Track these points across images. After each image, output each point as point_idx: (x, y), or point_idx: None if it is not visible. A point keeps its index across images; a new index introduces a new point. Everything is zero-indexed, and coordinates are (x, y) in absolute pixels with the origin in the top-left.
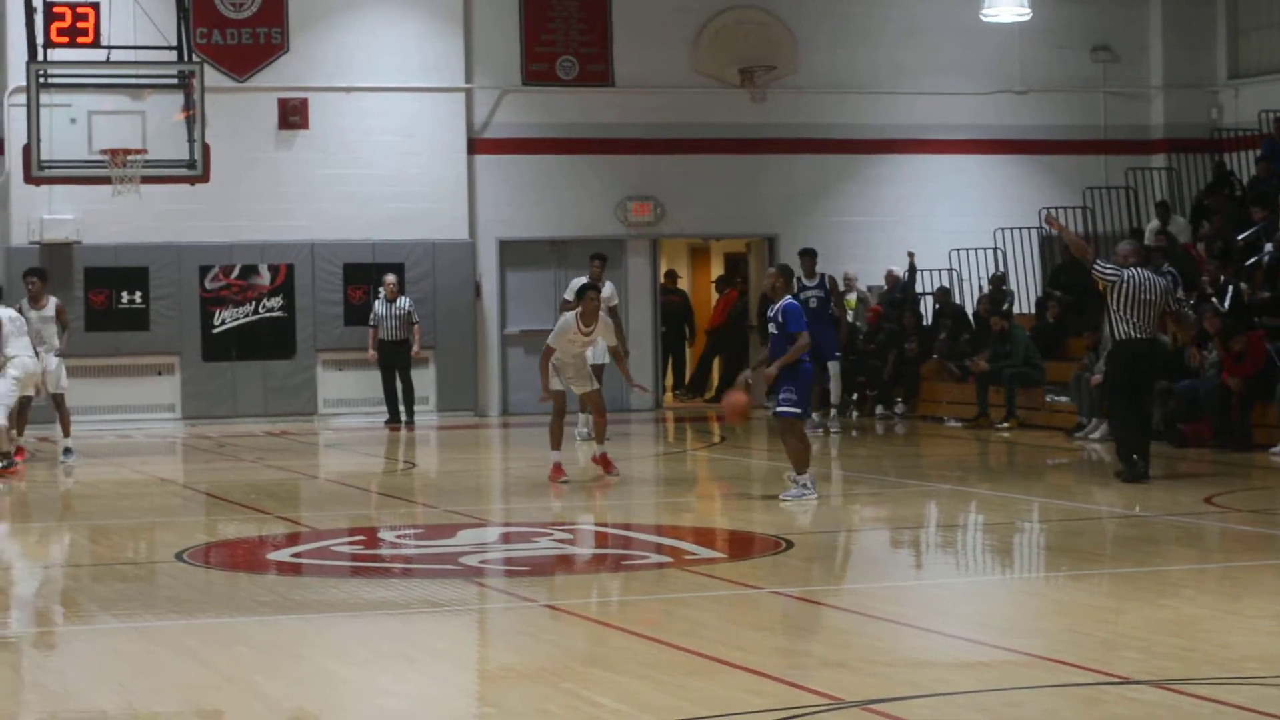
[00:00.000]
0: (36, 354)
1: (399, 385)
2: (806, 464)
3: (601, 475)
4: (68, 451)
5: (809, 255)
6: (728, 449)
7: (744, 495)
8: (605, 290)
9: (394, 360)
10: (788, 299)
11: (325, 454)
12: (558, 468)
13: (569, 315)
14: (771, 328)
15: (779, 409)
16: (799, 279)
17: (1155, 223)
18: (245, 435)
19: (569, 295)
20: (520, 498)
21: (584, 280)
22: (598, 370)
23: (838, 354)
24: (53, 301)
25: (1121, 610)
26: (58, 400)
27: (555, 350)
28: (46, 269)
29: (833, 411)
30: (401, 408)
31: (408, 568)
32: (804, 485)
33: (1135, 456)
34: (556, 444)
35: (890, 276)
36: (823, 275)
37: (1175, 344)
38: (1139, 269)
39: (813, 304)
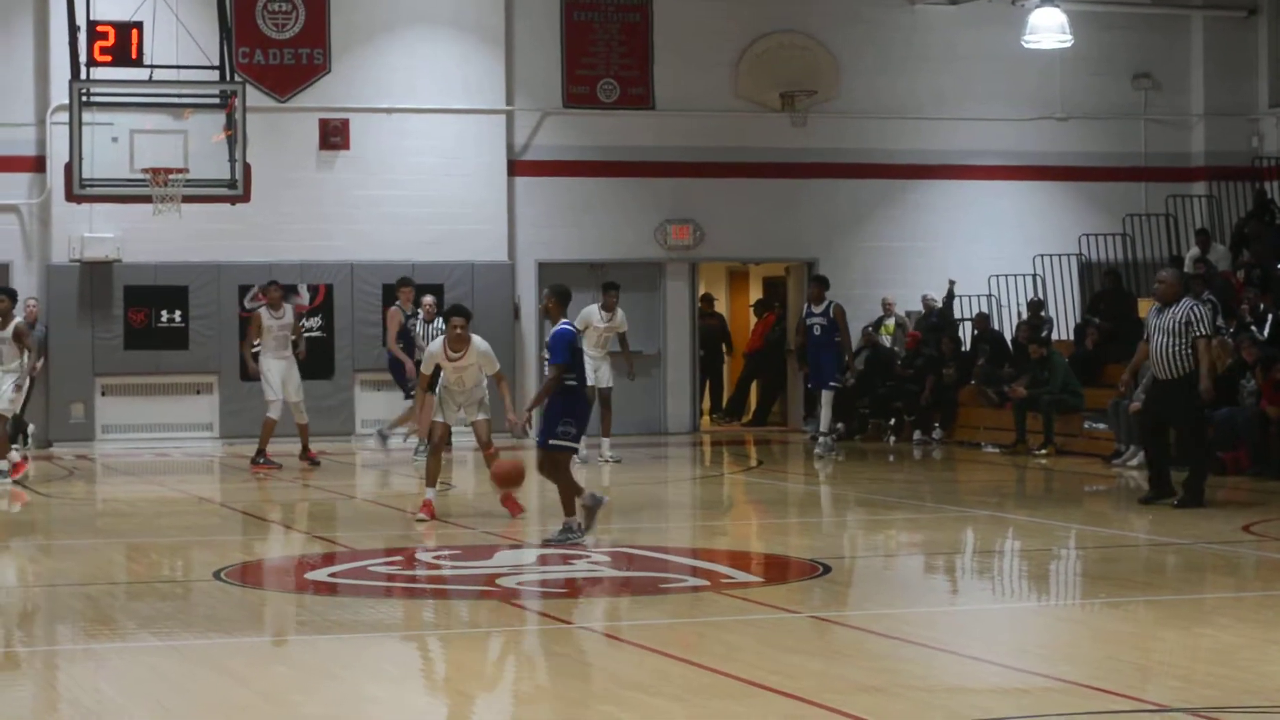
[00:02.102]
0: None
1: None
2: (574, 507)
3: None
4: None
5: (817, 282)
6: (764, 473)
7: (781, 519)
8: (617, 318)
9: (431, 382)
10: (561, 324)
11: (363, 474)
12: (428, 505)
13: (436, 342)
14: (545, 353)
15: (551, 441)
16: (807, 305)
17: (1195, 250)
18: (283, 455)
19: (578, 324)
20: (557, 519)
21: (596, 306)
22: (604, 394)
23: (834, 383)
24: (14, 322)
25: (1158, 638)
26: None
27: (427, 377)
28: (15, 290)
29: (822, 439)
30: None
31: (444, 589)
32: (570, 529)
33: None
34: (432, 480)
35: (926, 302)
36: (830, 303)
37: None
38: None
39: (816, 331)
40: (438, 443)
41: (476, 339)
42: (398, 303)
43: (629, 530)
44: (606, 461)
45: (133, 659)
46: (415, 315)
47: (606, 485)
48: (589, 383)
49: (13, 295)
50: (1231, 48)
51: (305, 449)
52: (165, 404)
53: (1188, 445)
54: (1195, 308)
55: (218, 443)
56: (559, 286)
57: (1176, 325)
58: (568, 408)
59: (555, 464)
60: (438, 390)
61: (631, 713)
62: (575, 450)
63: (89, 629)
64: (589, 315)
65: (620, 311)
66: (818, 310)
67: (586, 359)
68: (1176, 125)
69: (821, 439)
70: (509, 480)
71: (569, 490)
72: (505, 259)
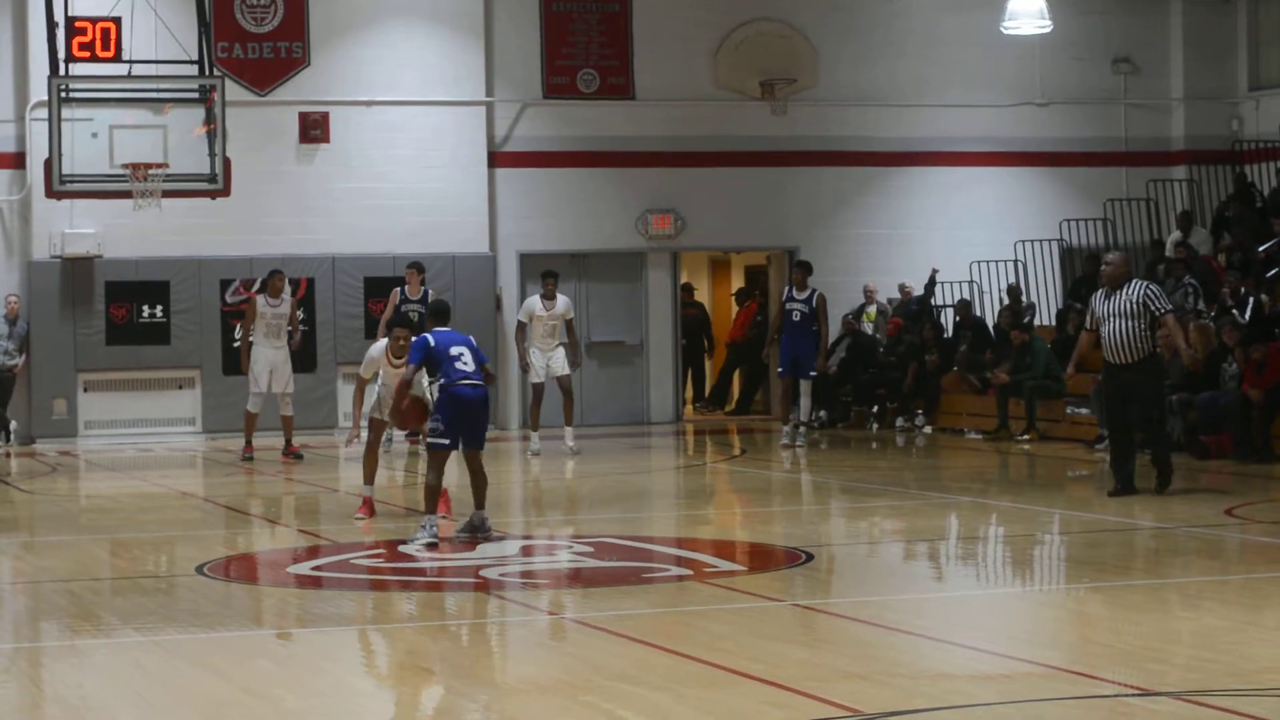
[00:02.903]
0: None
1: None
2: (435, 505)
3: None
4: None
5: (801, 267)
6: (747, 462)
7: (764, 507)
8: (560, 305)
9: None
10: (422, 335)
11: (345, 467)
12: (367, 502)
13: (378, 345)
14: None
15: (427, 440)
16: (789, 290)
17: (1176, 234)
18: (266, 449)
19: (523, 317)
20: (540, 510)
21: (537, 296)
22: (563, 383)
23: (813, 372)
24: None
25: (1141, 622)
26: None
27: (366, 381)
28: None
29: (801, 428)
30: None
31: (428, 581)
32: (426, 527)
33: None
34: (369, 477)
35: (904, 290)
36: (813, 291)
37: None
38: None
39: (796, 317)
40: (374, 441)
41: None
42: (402, 286)
43: (612, 521)
44: (569, 453)
45: (116, 655)
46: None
47: (574, 476)
48: (539, 376)
49: None
50: (1210, 31)
51: (288, 443)
52: (147, 399)
53: (1152, 425)
54: (1149, 287)
55: (200, 437)
56: (436, 303)
57: (1133, 307)
58: (438, 405)
59: (428, 461)
60: (376, 389)
61: (615, 703)
62: (444, 446)
63: (73, 625)
64: (531, 306)
65: (562, 298)
66: (800, 296)
67: (535, 350)
68: (1157, 109)
69: (801, 427)
70: (411, 419)
71: (431, 489)
72: (486, 250)
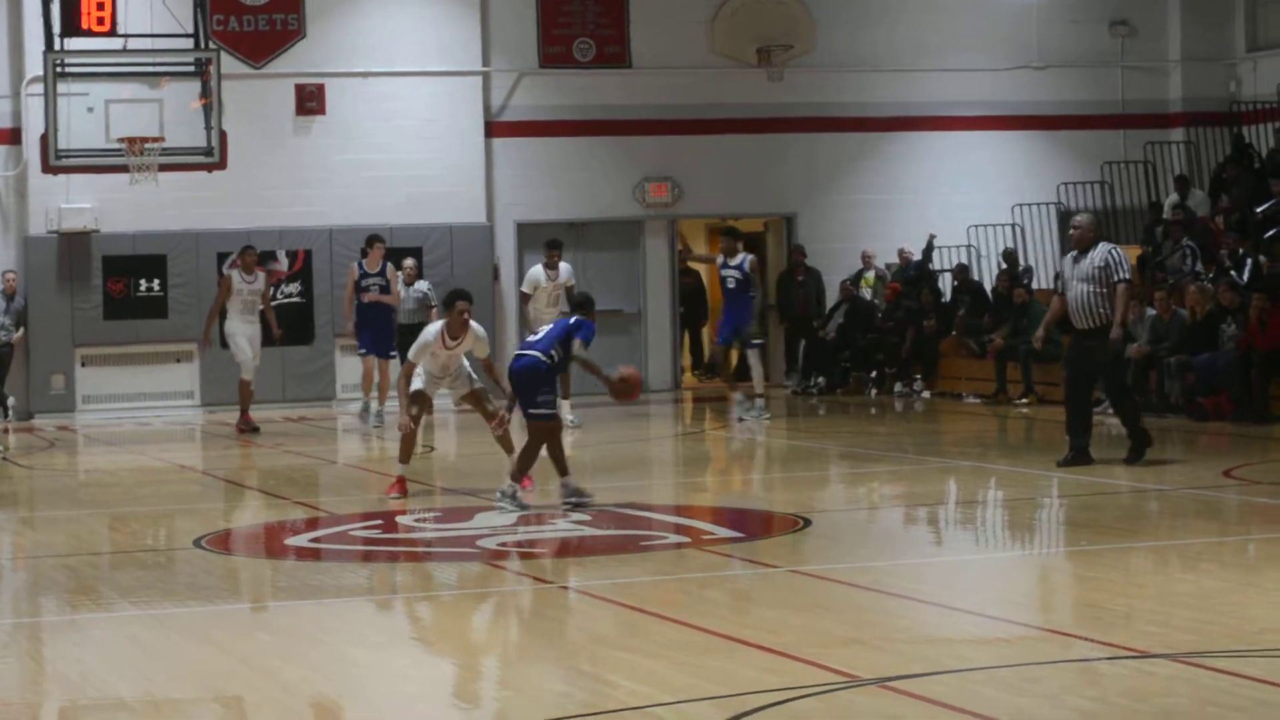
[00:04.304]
0: None
1: None
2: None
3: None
4: None
5: (729, 235)
6: (746, 428)
7: (762, 473)
8: (562, 274)
9: (410, 343)
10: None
11: (343, 439)
12: (401, 481)
13: (433, 328)
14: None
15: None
16: (722, 260)
17: (1174, 196)
18: (263, 421)
19: (527, 288)
20: (537, 480)
21: (540, 265)
22: None
23: (756, 341)
24: None
25: (1140, 584)
26: None
27: (415, 367)
28: None
29: (759, 400)
30: None
31: (426, 551)
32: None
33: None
34: (407, 457)
35: (903, 255)
36: (745, 256)
37: (1193, 316)
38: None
39: (730, 284)
40: (418, 420)
41: (474, 324)
42: (360, 260)
43: (610, 489)
44: (568, 426)
45: (115, 629)
46: (370, 273)
47: (572, 445)
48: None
49: None
50: None
51: (243, 413)
52: (145, 373)
53: (1115, 394)
54: (1113, 251)
55: (198, 410)
56: (580, 295)
57: (1095, 271)
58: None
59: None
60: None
61: (614, 670)
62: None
63: (72, 600)
64: (535, 276)
65: (564, 266)
66: (732, 264)
67: (539, 321)
68: (1154, 72)
69: (758, 399)
70: (630, 391)
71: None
72: (484, 220)
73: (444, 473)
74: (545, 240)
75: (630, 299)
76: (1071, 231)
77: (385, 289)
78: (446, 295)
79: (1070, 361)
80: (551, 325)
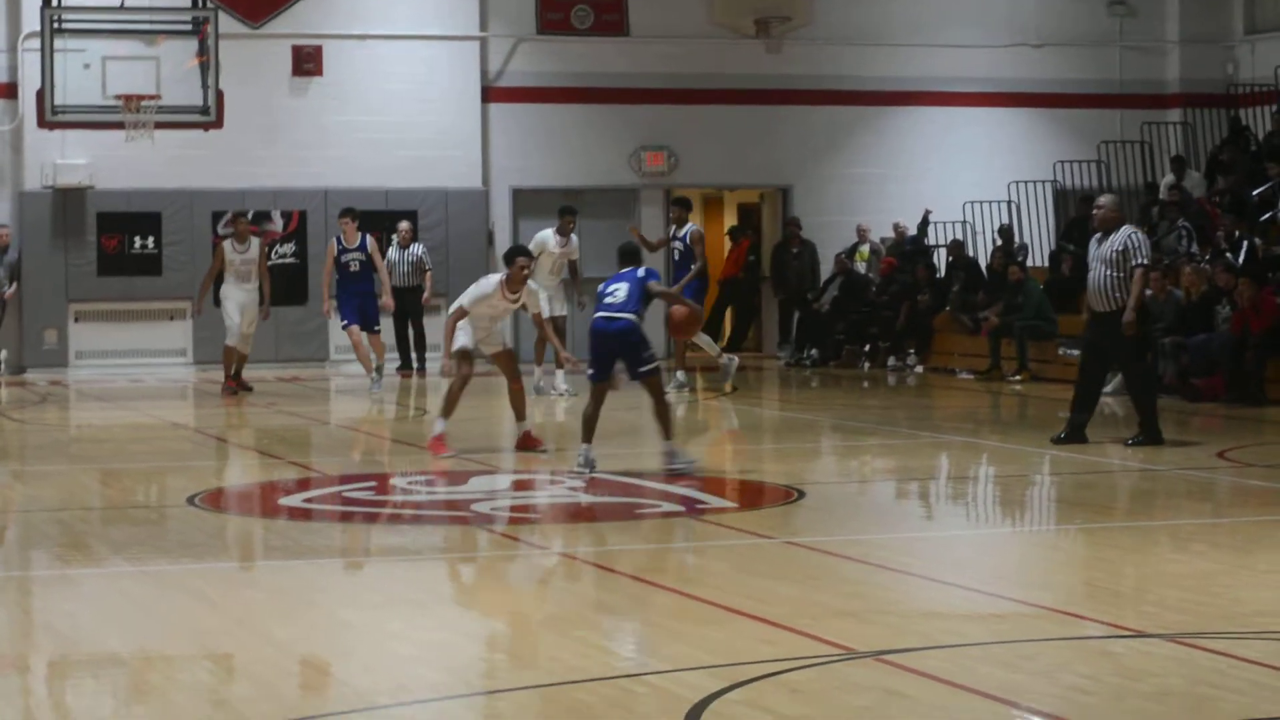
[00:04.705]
0: None
1: (411, 332)
2: (586, 435)
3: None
4: None
5: (678, 204)
6: (739, 399)
7: (755, 444)
8: (572, 244)
9: (406, 307)
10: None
11: (337, 400)
12: (440, 440)
13: (492, 279)
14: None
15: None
16: (671, 227)
17: (1170, 177)
18: (256, 380)
19: (533, 249)
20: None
21: (551, 230)
22: (558, 324)
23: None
24: None
25: (1133, 564)
26: None
27: (468, 314)
28: None
29: (679, 373)
30: (413, 354)
31: (419, 514)
32: (580, 456)
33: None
34: (449, 411)
35: (898, 230)
36: (690, 228)
37: (1188, 298)
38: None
39: (676, 256)
40: (466, 376)
41: (530, 280)
42: (338, 235)
43: (604, 456)
44: (560, 395)
45: (106, 584)
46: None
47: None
48: (545, 311)
49: None
50: None
51: (238, 373)
52: (138, 330)
53: (1133, 381)
54: (1133, 235)
55: (191, 368)
56: (624, 245)
57: (1114, 255)
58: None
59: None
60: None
61: (607, 638)
62: (591, 378)
63: (63, 555)
64: (544, 239)
65: (574, 238)
66: (679, 234)
67: (541, 288)
68: (1152, 52)
69: (682, 374)
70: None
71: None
72: (479, 185)
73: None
74: (560, 206)
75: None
76: (1095, 212)
77: (366, 263)
78: (507, 251)
79: (1086, 343)
80: (624, 283)
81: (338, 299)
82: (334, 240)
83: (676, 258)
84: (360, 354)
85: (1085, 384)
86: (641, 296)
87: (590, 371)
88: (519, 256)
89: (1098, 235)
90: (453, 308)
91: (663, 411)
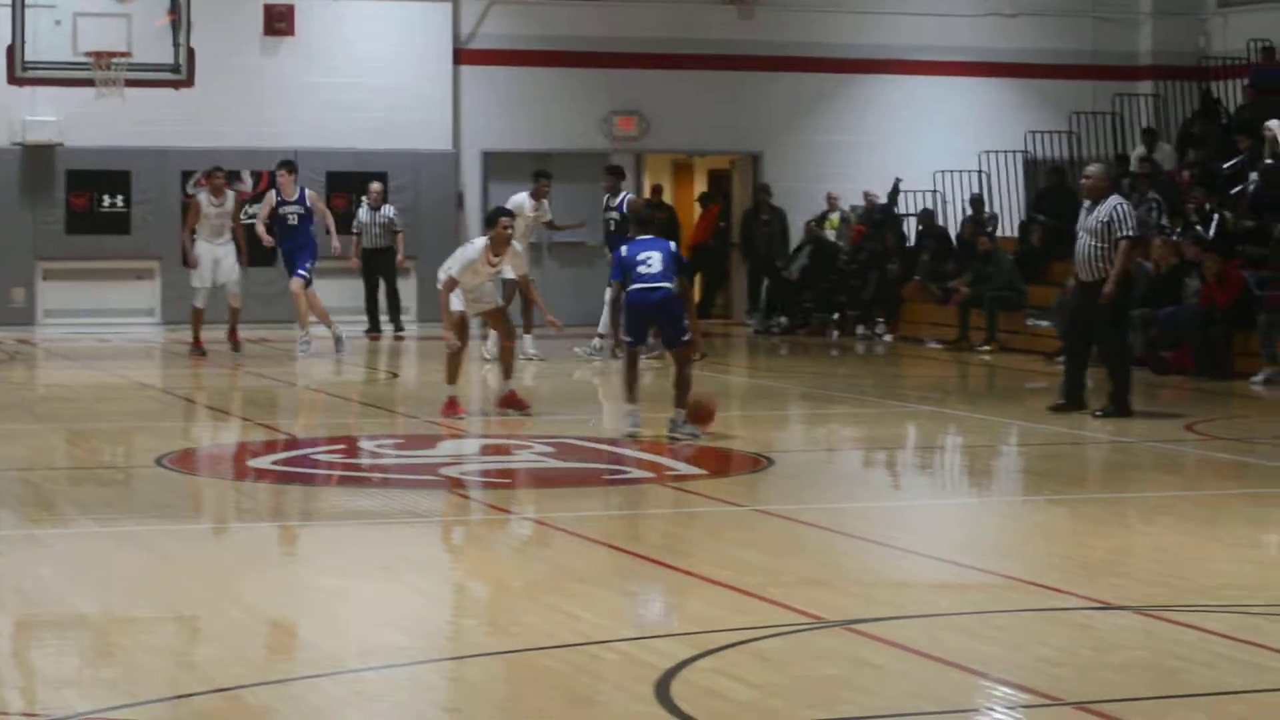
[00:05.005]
0: None
1: (382, 293)
2: (629, 396)
3: (512, 414)
4: None
5: (611, 173)
6: (707, 365)
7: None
8: (542, 207)
9: (378, 268)
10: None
11: (305, 362)
12: (453, 402)
13: (476, 243)
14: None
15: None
16: (605, 196)
17: (1141, 149)
18: (225, 342)
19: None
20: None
21: (525, 194)
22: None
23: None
24: None
25: (1101, 535)
26: None
27: (457, 283)
28: None
29: (599, 340)
30: (384, 316)
31: (387, 478)
32: (627, 417)
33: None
34: (454, 378)
35: (869, 198)
36: (625, 195)
37: (1157, 270)
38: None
39: (611, 226)
40: (465, 341)
41: (514, 241)
42: (274, 188)
43: (573, 422)
44: (529, 359)
45: (74, 544)
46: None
47: (535, 377)
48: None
49: None
50: None
51: (232, 330)
52: (107, 289)
53: (1109, 351)
54: (1119, 206)
55: (159, 328)
56: (638, 211)
57: (1099, 226)
58: (625, 310)
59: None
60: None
61: (574, 603)
62: (629, 344)
63: (30, 514)
64: (519, 203)
65: (546, 202)
66: (613, 204)
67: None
68: (1124, 23)
69: (598, 340)
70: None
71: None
72: (450, 148)
73: (406, 399)
74: (534, 170)
75: (595, 232)
76: (1083, 181)
77: (304, 216)
78: (489, 213)
79: (1071, 309)
80: (655, 251)
81: (281, 251)
82: (272, 192)
83: (612, 228)
84: (300, 308)
85: (1070, 353)
86: (676, 264)
87: (627, 338)
88: (501, 216)
89: (1086, 204)
90: (442, 278)
91: (684, 381)
